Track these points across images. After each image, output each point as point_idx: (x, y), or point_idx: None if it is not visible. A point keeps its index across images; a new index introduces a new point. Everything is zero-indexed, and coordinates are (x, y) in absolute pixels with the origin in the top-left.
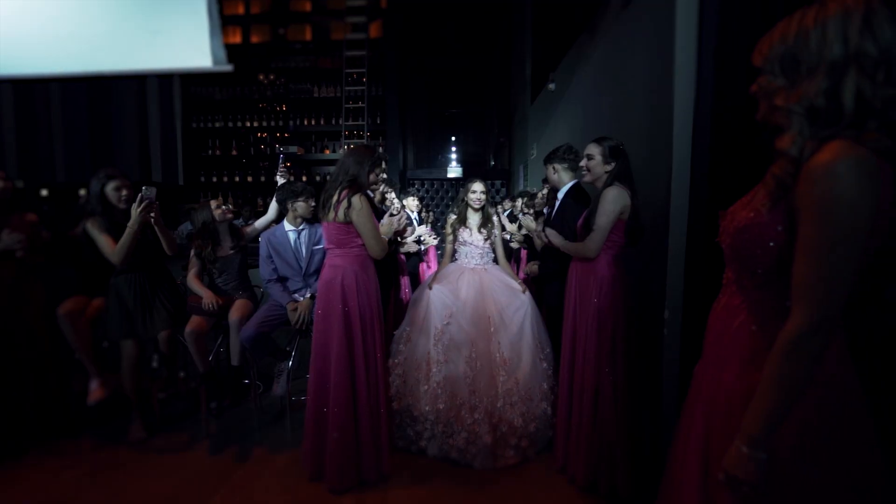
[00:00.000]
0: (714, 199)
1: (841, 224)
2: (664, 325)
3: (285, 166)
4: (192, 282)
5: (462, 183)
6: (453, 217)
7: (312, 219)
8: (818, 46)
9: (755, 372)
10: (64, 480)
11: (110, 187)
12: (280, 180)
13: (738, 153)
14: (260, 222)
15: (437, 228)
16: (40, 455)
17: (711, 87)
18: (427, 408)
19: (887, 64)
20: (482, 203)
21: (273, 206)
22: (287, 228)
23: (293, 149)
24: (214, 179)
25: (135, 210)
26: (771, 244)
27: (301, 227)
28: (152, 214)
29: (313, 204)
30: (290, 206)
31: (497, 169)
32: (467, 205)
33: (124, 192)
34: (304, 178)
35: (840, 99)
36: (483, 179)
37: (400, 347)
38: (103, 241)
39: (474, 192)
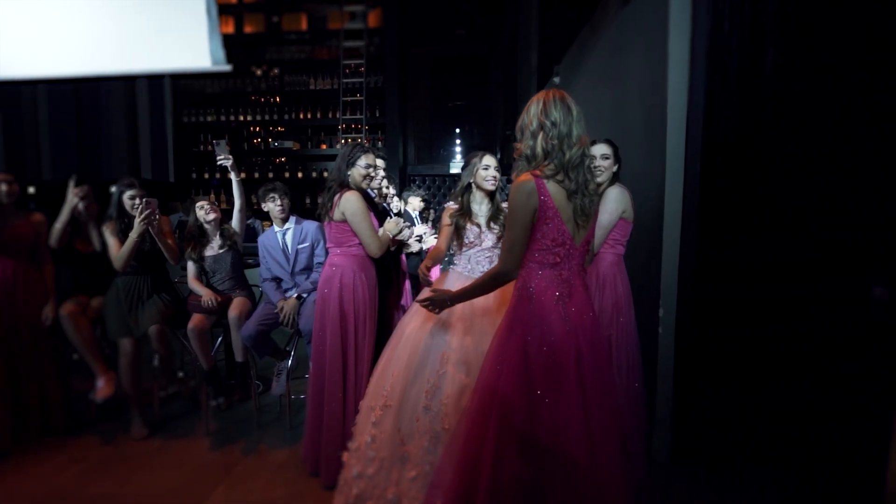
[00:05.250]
0: (706, 196)
1: (514, 217)
2: (658, 322)
3: (224, 155)
4: (192, 283)
5: (466, 162)
6: (453, 206)
7: (318, 218)
8: (526, 122)
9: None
10: (70, 473)
11: (127, 195)
12: (235, 176)
13: (728, 151)
14: (234, 221)
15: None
16: (44, 451)
17: (703, 87)
18: None
19: (557, 128)
20: (496, 184)
21: (237, 204)
22: (275, 230)
23: (288, 143)
24: (206, 176)
25: (136, 221)
26: None
27: (286, 227)
28: (152, 222)
29: (284, 203)
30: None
31: (503, 164)
32: (475, 189)
33: (137, 202)
34: (299, 175)
35: (536, 150)
36: (494, 154)
37: (368, 417)
38: (112, 244)
39: (486, 167)
